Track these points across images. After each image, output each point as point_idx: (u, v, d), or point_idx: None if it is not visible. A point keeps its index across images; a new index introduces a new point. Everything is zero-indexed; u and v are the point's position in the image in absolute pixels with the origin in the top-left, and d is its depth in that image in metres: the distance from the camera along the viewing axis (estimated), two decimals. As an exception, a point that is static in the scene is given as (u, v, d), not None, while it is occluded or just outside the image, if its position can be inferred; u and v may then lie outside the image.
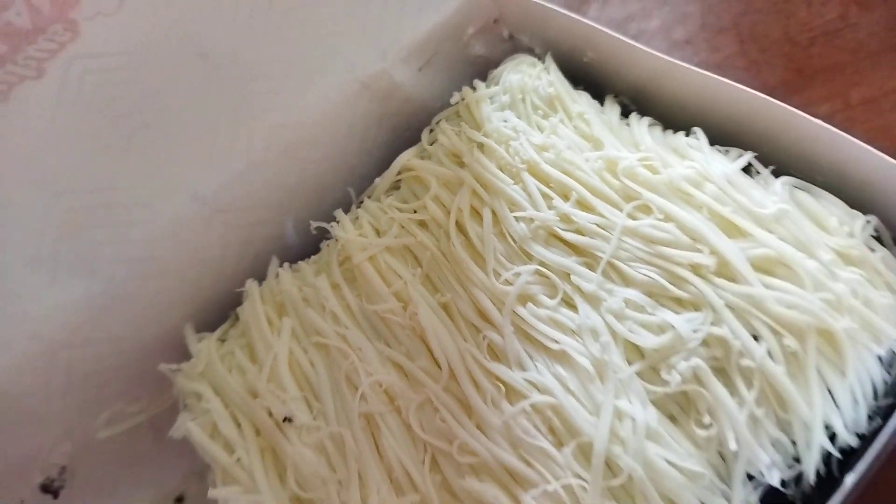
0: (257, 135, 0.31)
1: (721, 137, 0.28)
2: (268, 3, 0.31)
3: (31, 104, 0.30)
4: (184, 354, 0.30)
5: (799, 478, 0.22)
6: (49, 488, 0.33)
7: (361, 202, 0.33)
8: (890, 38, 0.42)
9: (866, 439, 0.22)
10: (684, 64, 0.30)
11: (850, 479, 0.21)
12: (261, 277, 0.31)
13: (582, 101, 0.30)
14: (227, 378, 0.27)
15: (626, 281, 0.25)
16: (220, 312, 0.32)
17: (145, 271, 0.30)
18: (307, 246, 0.33)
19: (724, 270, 0.24)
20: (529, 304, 0.25)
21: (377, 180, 0.32)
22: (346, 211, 0.32)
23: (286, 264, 0.31)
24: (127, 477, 0.35)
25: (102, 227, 0.30)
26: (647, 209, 0.26)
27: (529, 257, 0.27)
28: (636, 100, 0.31)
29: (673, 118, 0.30)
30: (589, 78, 0.32)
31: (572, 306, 0.25)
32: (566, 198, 0.27)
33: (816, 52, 0.43)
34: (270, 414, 0.26)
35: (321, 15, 0.32)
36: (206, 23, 0.31)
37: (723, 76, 0.29)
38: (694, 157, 0.27)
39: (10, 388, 0.29)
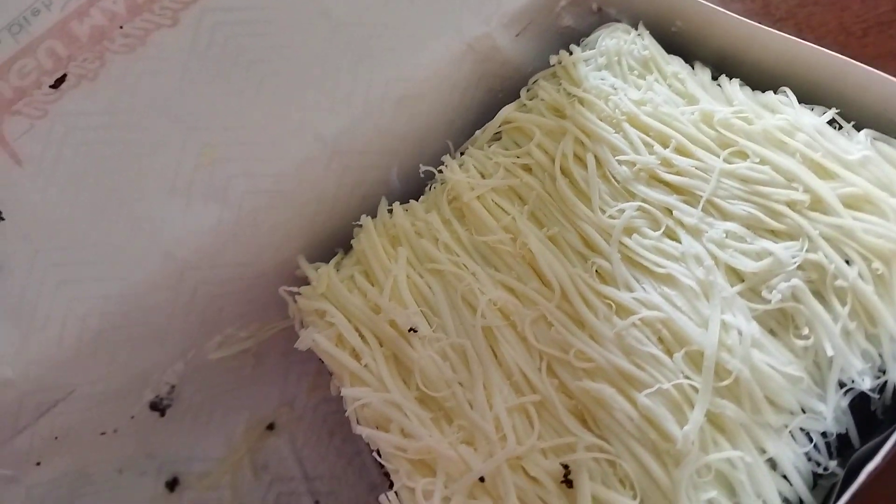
0: (375, 86, 0.34)
1: (803, 97, 0.31)
2: (386, -31, 0.34)
3: (166, 49, 0.33)
4: (296, 284, 0.33)
5: (882, 389, 0.25)
6: (157, 406, 0.36)
7: (461, 153, 0.35)
8: (940, 31, 0.45)
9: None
10: (768, 28, 0.32)
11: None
12: (369, 216, 0.34)
13: (675, 63, 0.33)
14: (349, 297, 0.30)
15: (725, 215, 0.28)
16: (330, 247, 0.34)
17: (270, 203, 0.33)
18: (408, 193, 0.35)
19: (817, 205, 0.27)
20: (635, 236, 0.28)
21: (478, 132, 0.35)
22: (447, 156, 0.34)
23: (396, 203, 0.34)
24: (225, 401, 0.38)
25: (235, 161, 0.32)
26: (742, 155, 0.29)
27: (633, 196, 0.29)
28: (720, 66, 0.34)
29: (756, 82, 0.32)
30: (675, 47, 0.35)
31: (675, 238, 0.28)
32: (665, 145, 0.30)
33: (870, 41, 0.46)
34: (394, 326, 0.28)
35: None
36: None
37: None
38: (784, 111, 0.30)
39: (142, 302, 0.32)
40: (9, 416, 0.31)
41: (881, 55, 0.45)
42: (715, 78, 0.33)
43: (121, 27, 0.33)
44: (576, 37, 0.37)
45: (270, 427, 0.39)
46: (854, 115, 0.30)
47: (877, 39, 0.45)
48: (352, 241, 0.33)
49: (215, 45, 0.33)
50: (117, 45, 0.33)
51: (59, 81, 0.33)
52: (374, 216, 0.34)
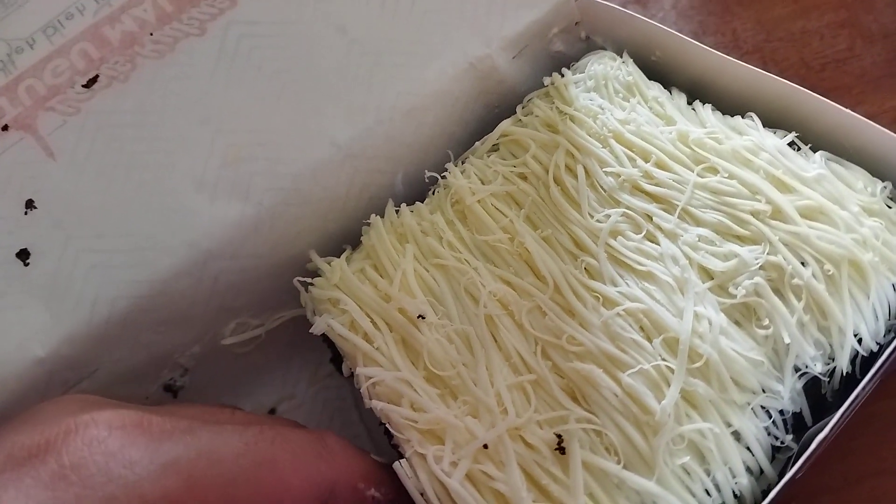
0: (386, 98, 0.37)
1: (767, 121, 0.35)
2: (397, -6, 0.38)
3: (194, 55, 0.36)
4: (307, 276, 0.36)
5: (832, 375, 0.29)
6: (171, 387, 0.38)
7: (462, 162, 0.39)
8: (888, 67, 0.50)
9: (882, 347, 0.29)
10: (737, 60, 0.37)
11: (867, 376, 0.28)
12: (377, 216, 0.37)
13: (655, 88, 0.37)
14: (360, 287, 0.33)
15: (698, 222, 0.32)
16: (338, 244, 0.37)
17: (288, 201, 0.35)
18: (411, 197, 0.38)
19: (778, 215, 0.31)
20: (619, 238, 0.32)
21: (477, 143, 0.38)
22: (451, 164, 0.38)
23: (402, 205, 0.37)
24: (231, 385, 0.40)
25: (257, 161, 0.35)
26: (713, 170, 0.33)
27: (618, 203, 0.33)
28: (694, 92, 0.38)
29: (725, 107, 0.36)
30: (655, 74, 0.39)
31: (654, 241, 0.32)
32: (646, 160, 0.34)
33: (827, 75, 0.51)
34: (404, 313, 0.31)
35: (441, 7, 0.38)
36: (346, 5, 0.37)
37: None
38: (750, 133, 0.34)
39: (168, 287, 0.34)
40: (37, 391, 0.33)
41: (836, 88, 0.50)
42: (690, 103, 0.37)
43: (151, 34, 0.36)
44: (566, 61, 0.41)
45: (272, 412, 0.42)
46: (811, 138, 0.34)
47: (833, 74, 0.50)
48: (361, 238, 0.36)
49: (240, 55, 0.36)
50: (147, 50, 0.36)
51: (92, 81, 0.35)
52: (381, 216, 0.37)
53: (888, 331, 0.29)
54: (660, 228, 0.32)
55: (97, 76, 0.36)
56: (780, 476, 0.28)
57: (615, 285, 0.31)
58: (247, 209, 0.35)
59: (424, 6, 0.38)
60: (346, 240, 0.38)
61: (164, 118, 0.35)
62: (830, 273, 0.29)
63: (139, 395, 0.37)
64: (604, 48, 0.41)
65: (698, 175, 0.32)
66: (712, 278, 0.30)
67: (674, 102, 0.36)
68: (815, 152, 0.33)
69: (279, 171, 0.35)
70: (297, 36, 0.37)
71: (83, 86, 0.35)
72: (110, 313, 0.33)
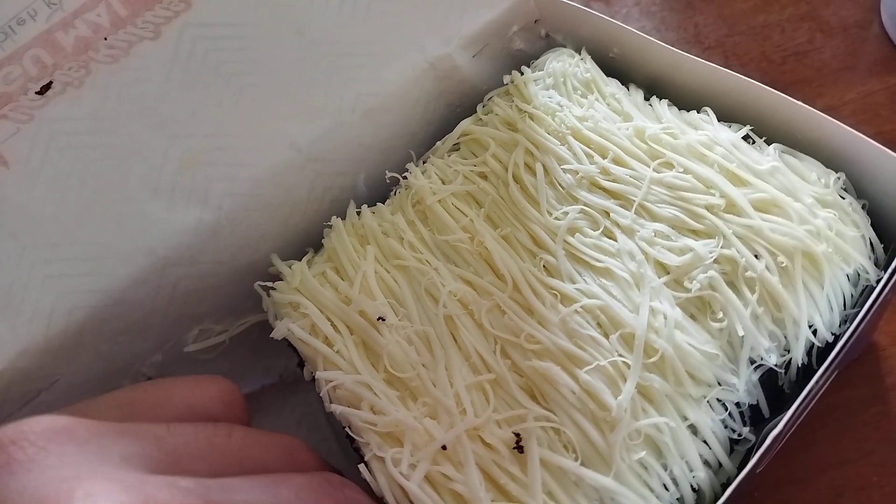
0: (345, 99, 0.36)
1: (722, 116, 0.35)
2: (355, -6, 0.37)
3: (149, 59, 0.35)
4: (269, 280, 0.35)
5: (786, 368, 0.29)
6: (134, 398, 0.37)
7: (423, 162, 0.39)
8: (848, 61, 0.51)
9: (837, 338, 0.29)
10: (694, 57, 0.37)
11: (822, 367, 0.28)
12: (339, 218, 0.36)
13: (613, 85, 0.37)
14: (321, 290, 0.33)
15: (654, 217, 0.32)
16: (301, 247, 0.37)
17: (247, 205, 0.35)
18: (373, 198, 0.38)
19: (731, 209, 0.31)
20: (577, 235, 0.32)
21: (438, 143, 0.38)
22: (411, 164, 0.38)
23: (364, 206, 0.37)
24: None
25: (215, 166, 0.34)
26: (669, 165, 0.33)
27: (576, 200, 0.33)
28: (651, 88, 0.38)
29: (682, 102, 0.37)
30: (613, 71, 0.39)
31: (612, 237, 0.32)
32: (604, 156, 0.34)
33: (788, 68, 0.51)
34: (364, 315, 0.31)
35: (399, 7, 0.38)
36: (303, 7, 0.37)
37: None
38: (705, 128, 0.34)
39: (126, 296, 0.34)
40: (-5, 404, 0.32)
41: (797, 81, 0.51)
42: (647, 99, 0.37)
43: (105, 38, 0.36)
44: (526, 59, 0.41)
45: (240, 418, 0.41)
46: (765, 131, 0.34)
47: (793, 67, 0.51)
48: (323, 241, 0.36)
49: (196, 58, 0.36)
50: (102, 55, 0.36)
51: (45, 88, 0.35)
52: (343, 218, 0.37)
53: (843, 321, 0.30)
54: (617, 224, 0.32)
55: (51, 83, 0.35)
56: (740, 469, 0.28)
57: (573, 282, 0.31)
58: (205, 215, 0.34)
59: (382, 7, 0.38)
60: (309, 242, 0.37)
61: (118, 124, 0.35)
62: (784, 265, 0.29)
63: (102, 405, 0.36)
64: (563, 46, 0.41)
65: (654, 170, 0.33)
66: (668, 273, 0.30)
67: (631, 99, 0.36)
68: (769, 145, 0.34)
69: (238, 176, 0.35)
70: (253, 38, 0.36)
71: (37, 93, 0.35)
72: (67, 324, 0.33)
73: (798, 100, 0.34)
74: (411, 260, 0.33)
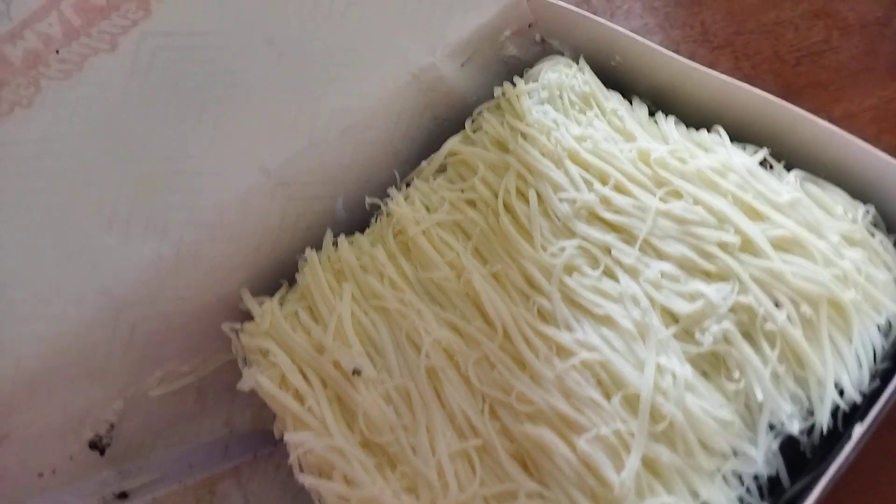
0: (320, 116, 0.33)
1: (735, 135, 0.31)
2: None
3: (104, 74, 0.32)
4: (240, 317, 0.32)
5: (810, 431, 0.26)
6: (97, 445, 0.34)
7: (407, 184, 0.35)
8: (867, 61, 0.47)
9: (867, 398, 0.26)
10: (704, 67, 0.33)
11: (857, 430, 0.25)
12: (314, 248, 0.33)
13: (614, 99, 0.34)
14: (292, 335, 0.30)
15: (661, 255, 0.28)
16: (274, 280, 0.34)
17: (212, 236, 0.32)
18: (353, 223, 0.35)
19: (748, 247, 0.28)
20: (575, 275, 0.29)
21: (423, 163, 0.35)
22: (393, 188, 0.34)
23: (340, 235, 0.33)
24: (166, 436, 0.36)
25: (175, 193, 0.31)
26: (677, 194, 0.29)
27: (573, 234, 0.30)
28: (656, 101, 0.35)
29: (690, 118, 0.33)
30: (614, 81, 0.36)
31: (613, 277, 0.29)
32: (604, 183, 0.31)
33: (803, 70, 0.47)
34: (338, 367, 0.28)
35: (378, 12, 0.34)
36: (273, 12, 0.33)
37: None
38: (717, 150, 0.30)
39: (79, 342, 0.31)
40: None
41: (812, 84, 0.47)
42: (652, 113, 0.34)
43: (57, 51, 0.32)
44: (520, 66, 0.38)
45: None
46: (785, 153, 0.31)
47: (809, 69, 0.47)
48: (297, 275, 0.33)
49: (155, 71, 0.32)
50: (53, 70, 0.32)
51: (-10, 109, 0.31)
52: (319, 247, 0.33)
53: (873, 377, 0.26)
54: (619, 263, 0.29)
55: (-3, 102, 0.32)
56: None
57: (570, 330, 0.28)
58: (164, 248, 0.31)
59: (359, 13, 0.34)
60: (283, 273, 0.34)
61: (69, 147, 0.31)
62: (808, 315, 0.26)
63: (62, 455, 0.33)
64: (561, 52, 0.38)
65: (661, 200, 0.29)
66: (677, 321, 0.27)
67: (634, 115, 0.33)
68: (789, 170, 0.30)
69: (201, 204, 0.32)
70: (218, 48, 0.33)
71: (-20, 114, 0.31)
72: (16, 374, 0.30)
73: (814, 105, 0.31)
74: (392, 300, 0.30)
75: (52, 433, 0.32)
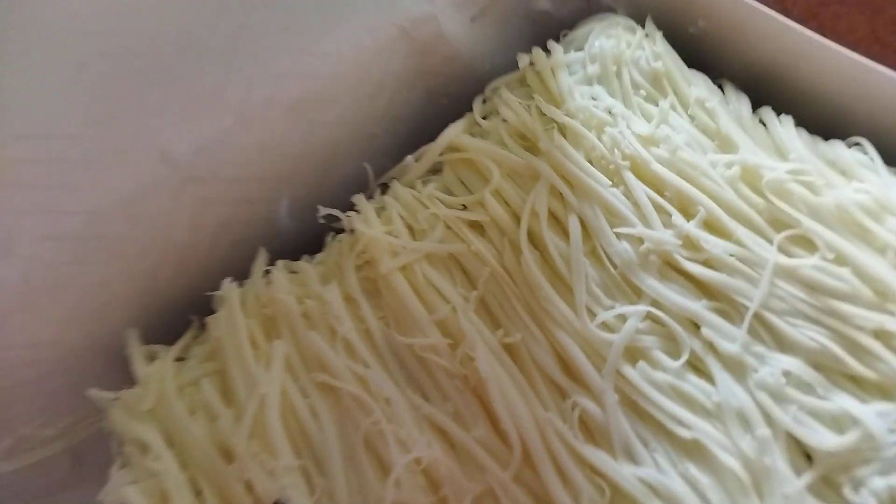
0: (257, 83, 0.25)
1: (882, 150, 0.22)
2: None
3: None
4: (124, 365, 0.24)
5: None
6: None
7: (385, 185, 0.27)
8: None
9: None
10: (833, 44, 0.24)
11: None
12: (241, 276, 0.25)
13: (700, 84, 0.24)
14: (187, 424, 0.22)
15: (783, 344, 0.19)
16: (180, 318, 0.26)
17: (83, 254, 0.24)
18: (304, 236, 0.27)
19: (928, 343, 0.18)
20: (641, 363, 0.20)
21: (409, 158, 0.27)
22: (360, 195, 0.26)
23: (279, 261, 0.25)
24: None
25: (27, 190, 0.23)
26: (807, 243, 0.20)
27: (638, 293, 0.22)
28: (756, 88, 0.26)
29: (808, 116, 0.24)
30: (695, 56, 0.27)
31: (705, 373, 0.19)
32: (688, 214, 0.22)
33: (909, 56, 0.38)
34: (252, 492, 0.18)
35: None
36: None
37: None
38: (864, 175, 0.21)
39: None
40: None
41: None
42: (754, 108, 0.25)
43: None
44: (556, 26, 0.29)
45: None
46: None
47: (916, 55, 0.38)
48: (210, 318, 0.23)
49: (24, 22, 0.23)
50: None
51: None
52: (247, 276, 0.25)
53: None
54: (714, 350, 0.20)
55: None
56: None
57: (633, 460, 0.19)
58: (9, 271, 0.23)
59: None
60: (195, 307, 0.26)
61: None
62: None
63: None
64: (614, 10, 0.28)
65: (780, 249, 0.19)
66: (810, 459, 0.17)
67: (731, 110, 0.24)
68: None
69: (67, 207, 0.23)
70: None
71: None
72: None
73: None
74: (346, 378, 0.22)
75: None
